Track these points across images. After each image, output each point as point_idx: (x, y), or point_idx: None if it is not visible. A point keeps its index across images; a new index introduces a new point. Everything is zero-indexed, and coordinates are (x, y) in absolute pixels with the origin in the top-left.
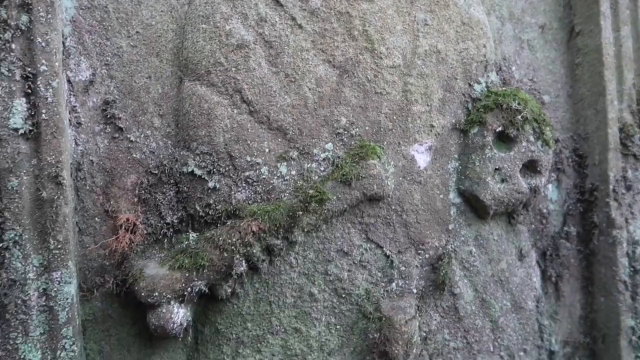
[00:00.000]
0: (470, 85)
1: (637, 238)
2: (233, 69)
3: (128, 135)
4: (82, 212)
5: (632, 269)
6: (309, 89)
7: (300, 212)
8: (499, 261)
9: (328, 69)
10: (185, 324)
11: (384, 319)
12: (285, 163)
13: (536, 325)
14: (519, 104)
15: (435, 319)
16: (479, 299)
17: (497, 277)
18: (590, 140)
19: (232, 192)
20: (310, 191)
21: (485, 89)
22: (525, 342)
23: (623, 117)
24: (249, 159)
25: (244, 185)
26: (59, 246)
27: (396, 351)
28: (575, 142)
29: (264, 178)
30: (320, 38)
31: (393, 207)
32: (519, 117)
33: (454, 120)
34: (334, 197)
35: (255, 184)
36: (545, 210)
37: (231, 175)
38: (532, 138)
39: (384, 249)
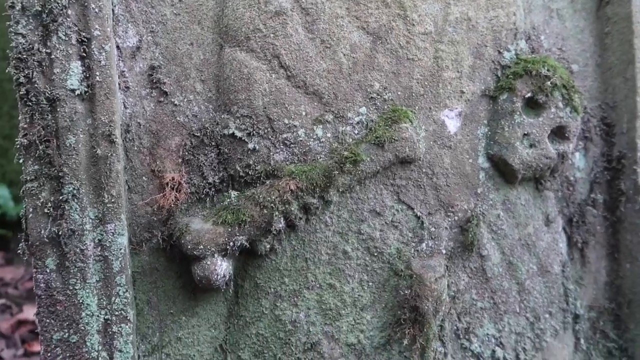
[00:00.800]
0: (499, 52)
1: None
2: (271, 35)
3: (172, 99)
4: (130, 171)
5: None
6: (344, 55)
7: (336, 172)
8: (526, 225)
9: (362, 35)
10: (227, 277)
11: (414, 276)
12: (321, 126)
13: (562, 289)
14: (548, 70)
15: (463, 279)
16: (506, 262)
17: (523, 240)
18: (619, 109)
19: (271, 153)
20: (345, 153)
21: (515, 57)
22: (550, 305)
23: None
24: (286, 121)
25: (282, 146)
26: (113, 200)
27: (426, 307)
28: (603, 110)
29: (301, 140)
30: (355, 5)
31: (424, 170)
32: (548, 83)
33: (483, 87)
34: (368, 159)
35: (292, 145)
36: (572, 178)
37: (270, 137)
38: (560, 104)
39: (415, 210)
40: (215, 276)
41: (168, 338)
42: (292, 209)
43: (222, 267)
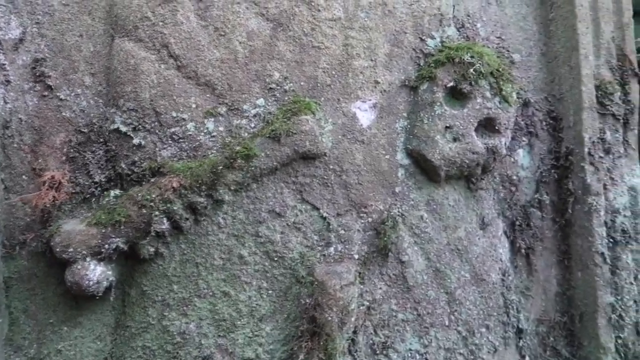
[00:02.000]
0: (422, 39)
1: (617, 206)
2: (160, 23)
3: (58, 94)
4: (8, 169)
5: (611, 240)
6: (240, 43)
7: (224, 169)
8: (455, 228)
9: (261, 22)
10: (105, 283)
11: (316, 283)
12: (212, 119)
13: (501, 300)
14: (472, 57)
15: (380, 288)
16: (432, 269)
17: (453, 245)
18: (565, 101)
19: (158, 149)
20: (237, 147)
21: (440, 44)
22: (487, 318)
23: (600, 74)
24: (174, 114)
25: (169, 142)
26: None
27: (329, 318)
28: (549, 103)
29: (190, 134)
30: None
31: (331, 167)
32: (472, 70)
33: (403, 77)
34: (262, 154)
35: (181, 140)
36: (515, 177)
37: (157, 131)
38: (488, 94)
39: (321, 210)
40: (87, 282)
41: (47, 350)
42: (176, 208)
43: (95, 272)
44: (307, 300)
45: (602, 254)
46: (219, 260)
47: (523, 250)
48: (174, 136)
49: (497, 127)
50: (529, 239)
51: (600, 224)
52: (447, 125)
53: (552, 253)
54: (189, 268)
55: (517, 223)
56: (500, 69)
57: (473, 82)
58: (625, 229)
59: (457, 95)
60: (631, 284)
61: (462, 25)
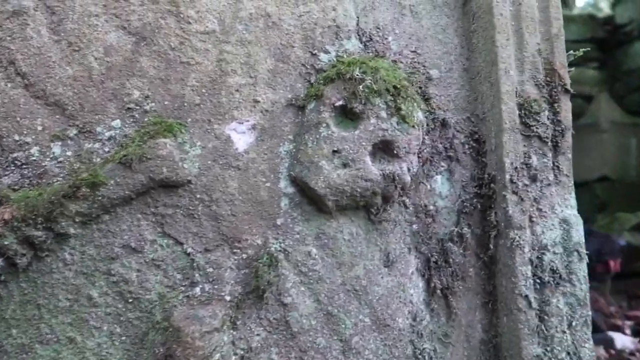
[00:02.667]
0: (313, 54)
1: (545, 241)
2: (8, 38)
3: None
4: None
5: (538, 280)
6: (96, 59)
7: (65, 198)
8: (352, 266)
9: (122, 36)
10: None
11: (171, 329)
12: (59, 143)
13: (409, 349)
14: (364, 72)
15: (258, 334)
16: (322, 312)
17: (349, 285)
18: (487, 121)
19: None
20: (84, 174)
21: (335, 59)
22: None
23: (525, 91)
24: (17, 138)
25: (11, 168)
26: None
27: None
28: (472, 124)
29: (34, 160)
30: (114, 2)
31: (198, 196)
32: (360, 87)
33: (289, 95)
34: (112, 182)
35: (24, 166)
36: (431, 207)
37: None
38: (383, 114)
39: (185, 245)
40: None
41: None
42: (7, 243)
43: None
44: (160, 350)
45: (527, 297)
46: (65, 301)
47: (439, 291)
48: (16, 162)
49: (395, 152)
50: (448, 277)
51: (525, 262)
52: (335, 149)
53: (475, 294)
54: (30, 310)
55: (433, 259)
56: (400, 86)
57: (365, 101)
58: (555, 268)
59: (350, 116)
60: (563, 332)
61: (369, 39)
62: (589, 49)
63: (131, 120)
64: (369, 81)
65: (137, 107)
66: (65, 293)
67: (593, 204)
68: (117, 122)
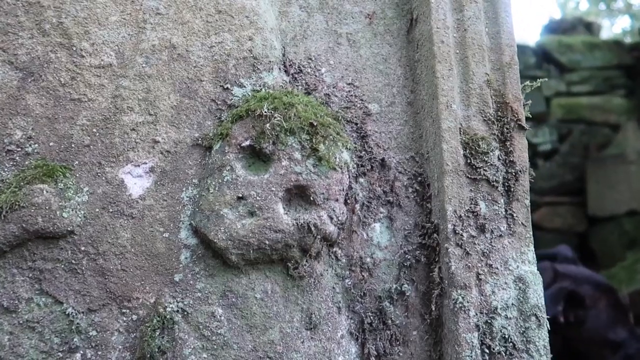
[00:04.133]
0: (225, 88)
1: (495, 304)
2: None
3: None
4: None
5: (487, 350)
6: None
7: None
8: (265, 329)
9: (8, 71)
10: None
11: None
12: None
13: None
14: (274, 108)
15: None
16: None
17: (261, 352)
18: (430, 161)
19: None
20: None
21: (250, 94)
22: None
23: (471, 127)
24: None
25: None
26: None
27: None
28: (417, 164)
29: None
30: (2, 35)
31: (82, 249)
32: (268, 125)
33: (196, 134)
34: None
35: None
36: (368, 259)
37: None
38: (297, 155)
39: (65, 305)
40: None
41: None
42: None
43: None
44: None
45: None
46: None
47: (374, 358)
48: None
49: (312, 198)
50: (385, 342)
51: (470, 327)
52: (240, 195)
53: None
54: None
55: (368, 321)
56: (318, 123)
57: (275, 140)
58: (508, 336)
59: (262, 157)
60: None
61: (298, 71)
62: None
63: (11, 163)
64: (278, 119)
65: (18, 149)
66: None
67: (622, 240)
68: None
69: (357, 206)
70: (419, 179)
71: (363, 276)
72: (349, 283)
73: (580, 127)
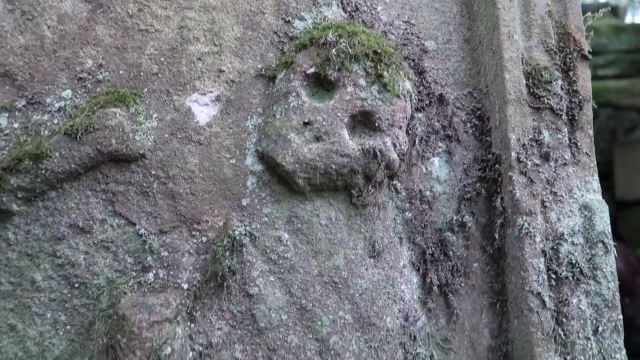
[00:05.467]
0: (287, 21)
1: (561, 230)
2: None
3: None
4: None
5: (553, 275)
6: (49, 27)
7: (5, 171)
8: (330, 255)
9: (77, 3)
10: None
11: (115, 317)
12: (7, 114)
13: (400, 354)
14: (339, 35)
15: (219, 329)
16: (295, 306)
17: (327, 277)
18: (491, 94)
19: None
20: (27, 147)
21: (311, 27)
22: None
23: (533, 57)
24: None
25: None
26: None
27: None
28: (475, 99)
29: None
30: None
31: (153, 172)
32: (334, 51)
33: (259, 65)
34: (56, 154)
35: None
36: (428, 193)
37: None
38: (362, 81)
39: (137, 226)
40: None
41: None
42: None
43: None
44: (103, 340)
45: (539, 294)
46: (7, 285)
47: (437, 288)
48: None
49: (377, 124)
50: (447, 272)
51: (536, 253)
52: (306, 120)
53: (481, 293)
54: None
55: (430, 252)
56: (382, 51)
57: (340, 67)
58: (575, 262)
59: (325, 86)
60: (587, 339)
61: (355, 9)
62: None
63: (83, 90)
64: (344, 44)
65: (90, 77)
66: (8, 276)
67: None
68: (67, 93)
69: (417, 139)
70: (478, 113)
71: (423, 209)
72: (409, 215)
73: (606, 111)
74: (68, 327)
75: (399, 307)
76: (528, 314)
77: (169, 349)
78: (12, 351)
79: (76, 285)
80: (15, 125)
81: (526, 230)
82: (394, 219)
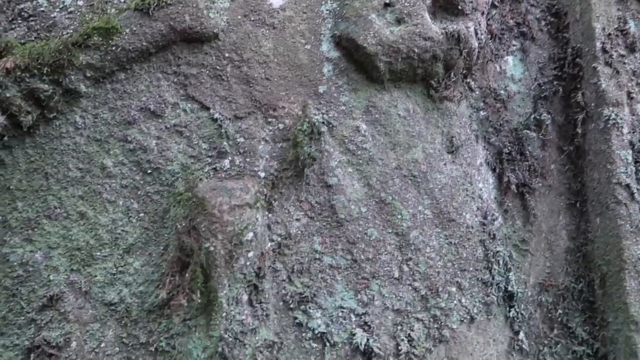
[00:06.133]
0: None
1: None
2: None
3: None
4: None
5: None
6: None
7: (75, 47)
8: (409, 148)
9: None
10: None
11: (194, 199)
12: None
13: (480, 251)
14: None
15: (298, 219)
16: (374, 199)
17: (405, 170)
18: None
19: (3, 30)
20: (96, 23)
21: None
22: (459, 274)
23: None
24: None
25: (18, 21)
26: None
27: (210, 247)
28: None
29: (42, 11)
30: None
31: (227, 55)
32: None
33: None
34: (127, 30)
35: (31, 18)
36: (502, 92)
37: (4, 9)
38: None
39: (212, 110)
40: None
41: None
42: (10, 95)
43: None
44: (182, 224)
45: (628, 186)
46: (76, 171)
47: (514, 187)
48: (22, 14)
49: (460, 7)
50: (524, 173)
51: (623, 144)
52: (387, 1)
53: (559, 194)
54: (37, 180)
55: (506, 151)
56: None
57: None
58: None
59: None
60: None
61: None
62: None
63: None
64: None
65: None
66: (76, 162)
67: None
68: None
69: (490, 36)
70: (553, 10)
71: (497, 108)
72: (484, 115)
73: None
74: (141, 214)
75: (477, 204)
76: (615, 207)
77: (251, 234)
78: (82, 239)
79: (149, 172)
80: (80, 2)
81: (613, 121)
82: (470, 116)
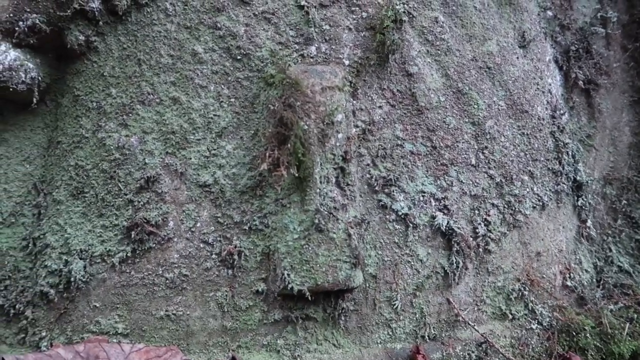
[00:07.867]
0: None
1: None
2: None
3: None
4: None
5: None
6: None
7: None
8: (484, 40)
9: None
10: (22, 75)
11: (287, 81)
12: None
13: (550, 142)
14: None
15: (380, 107)
16: (451, 89)
17: (481, 61)
18: None
19: None
20: None
21: None
22: (531, 163)
23: None
24: None
25: None
26: None
27: (305, 125)
28: None
29: None
30: None
31: None
32: None
33: None
34: None
35: None
36: None
37: None
38: None
39: None
40: None
41: None
42: None
43: (7, 57)
44: (276, 104)
45: None
46: (167, 57)
47: (581, 83)
48: None
49: None
50: (590, 70)
51: None
52: None
53: (622, 92)
54: (130, 67)
55: (574, 49)
56: None
57: None
58: None
59: None
60: None
61: None
62: None
63: None
64: None
65: None
66: (168, 48)
67: None
68: None
69: None
70: None
71: (564, 7)
72: (550, 14)
73: None
74: (232, 99)
75: (547, 98)
76: None
77: (341, 115)
78: (176, 123)
79: (238, 58)
80: None
81: None
82: (538, 14)
